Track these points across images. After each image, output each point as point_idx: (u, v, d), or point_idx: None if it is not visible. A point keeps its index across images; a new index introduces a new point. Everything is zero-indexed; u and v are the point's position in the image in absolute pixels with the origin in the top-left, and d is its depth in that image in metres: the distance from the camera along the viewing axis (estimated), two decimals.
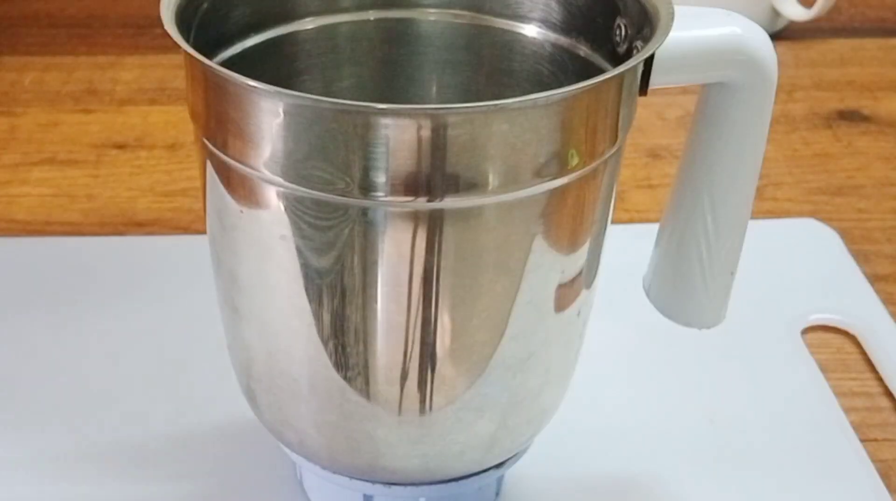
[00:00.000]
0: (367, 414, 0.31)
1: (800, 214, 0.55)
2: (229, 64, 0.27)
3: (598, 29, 0.32)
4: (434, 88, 0.37)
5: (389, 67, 0.36)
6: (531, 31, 0.34)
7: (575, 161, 0.28)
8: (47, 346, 0.44)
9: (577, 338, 0.34)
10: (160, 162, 0.59)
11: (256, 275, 0.30)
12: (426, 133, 0.26)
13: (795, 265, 0.50)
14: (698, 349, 0.43)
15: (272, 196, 0.28)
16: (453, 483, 0.34)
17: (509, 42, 0.35)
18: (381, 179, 0.27)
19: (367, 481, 0.34)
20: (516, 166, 0.27)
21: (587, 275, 0.32)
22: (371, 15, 0.36)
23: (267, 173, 0.28)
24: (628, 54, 0.29)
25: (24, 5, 0.75)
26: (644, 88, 0.30)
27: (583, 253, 0.31)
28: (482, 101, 0.26)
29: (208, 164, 0.30)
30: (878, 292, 0.49)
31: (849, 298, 0.48)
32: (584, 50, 0.33)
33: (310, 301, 0.29)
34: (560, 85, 0.27)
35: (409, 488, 0.34)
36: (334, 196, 0.27)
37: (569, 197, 0.29)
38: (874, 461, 0.40)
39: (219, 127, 0.29)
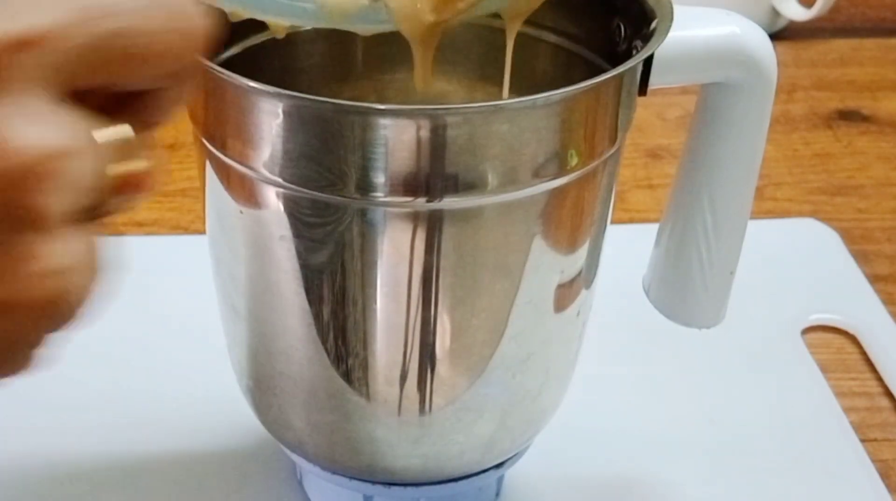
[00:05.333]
0: (366, 415, 0.31)
1: (800, 214, 0.55)
2: (229, 64, 0.27)
3: (598, 29, 0.32)
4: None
5: (388, 66, 0.36)
6: (530, 31, 0.34)
7: (574, 161, 0.28)
8: None
9: (577, 338, 0.34)
10: (160, 162, 0.58)
11: (256, 275, 0.30)
12: (425, 133, 0.26)
13: (795, 265, 0.50)
14: (698, 349, 0.43)
15: (271, 196, 0.28)
16: (453, 484, 0.34)
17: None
18: (380, 179, 0.27)
19: (366, 481, 0.34)
20: (515, 167, 0.27)
21: (586, 275, 0.32)
22: None
23: (266, 174, 0.28)
24: (628, 54, 0.29)
25: None
26: (644, 88, 0.30)
27: (582, 253, 0.31)
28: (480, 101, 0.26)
29: (208, 164, 0.30)
30: (878, 292, 0.49)
31: (849, 298, 0.48)
32: (583, 50, 0.33)
33: (309, 302, 0.29)
34: (559, 85, 0.27)
35: (408, 488, 0.34)
36: (333, 196, 0.27)
37: (568, 197, 0.29)
38: (874, 461, 0.40)
39: (218, 127, 0.29)
